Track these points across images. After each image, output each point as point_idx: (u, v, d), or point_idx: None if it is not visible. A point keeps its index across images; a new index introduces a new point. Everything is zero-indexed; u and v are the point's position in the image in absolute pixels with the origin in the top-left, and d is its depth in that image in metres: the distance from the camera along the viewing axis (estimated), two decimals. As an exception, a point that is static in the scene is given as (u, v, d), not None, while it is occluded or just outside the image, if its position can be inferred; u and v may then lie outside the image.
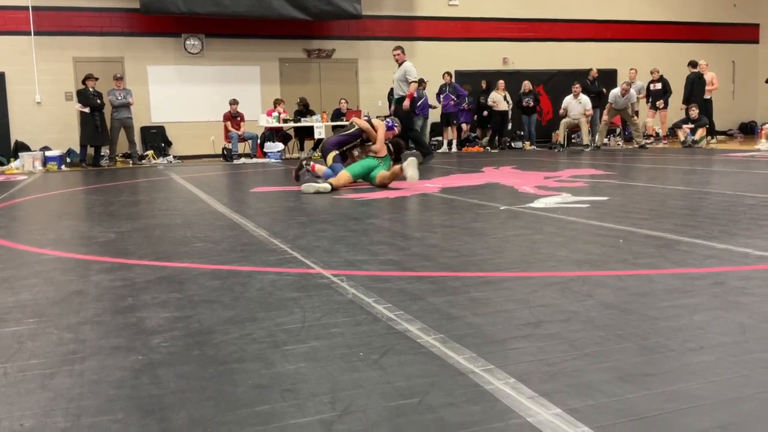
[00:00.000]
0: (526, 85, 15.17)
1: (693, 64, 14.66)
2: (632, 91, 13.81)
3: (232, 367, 2.00)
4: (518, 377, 1.84)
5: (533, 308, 2.50)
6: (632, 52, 17.32)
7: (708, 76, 14.47)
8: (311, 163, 7.64)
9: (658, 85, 14.78)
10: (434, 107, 14.90)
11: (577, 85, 14.23)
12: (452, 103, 14.78)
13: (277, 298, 2.75)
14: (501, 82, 15.05)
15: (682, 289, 2.72)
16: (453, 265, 3.29)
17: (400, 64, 10.16)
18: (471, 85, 15.39)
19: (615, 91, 13.93)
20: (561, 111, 14.35)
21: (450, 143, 15.10)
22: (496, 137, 15.31)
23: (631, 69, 14.77)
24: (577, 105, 14.09)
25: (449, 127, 15.10)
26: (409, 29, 16.07)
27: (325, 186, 6.73)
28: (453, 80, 15.08)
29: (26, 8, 13.41)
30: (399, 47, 10.32)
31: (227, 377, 1.92)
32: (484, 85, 15.43)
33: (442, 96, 14.82)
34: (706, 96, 14.36)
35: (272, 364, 2.01)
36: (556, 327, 2.27)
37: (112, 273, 3.35)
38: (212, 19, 14.18)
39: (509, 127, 15.32)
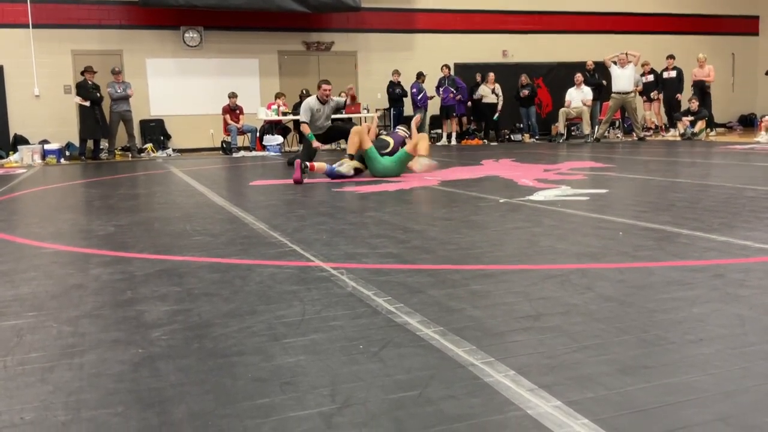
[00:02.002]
0: (523, 79, 15.13)
1: (671, 57, 14.86)
2: (631, 66, 13.69)
3: (232, 360, 2.00)
4: (518, 370, 1.84)
5: (533, 301, 2.50)
6: (632, 45, 17.24)
7: (706, 69, 14.47)
8: (309, 164, 7.54)
9: (650, 77, 14.78)
10: (432, 97, 14.88)
11: (579, 75, 14.19)
12: (451, 96, 14.75)
13: (276, 291, 2.75)
14: (491, 75, 15.01)
15: (682, 282, 2.72)
16: (452, 258, 3.29)
17: (326, 101, 8.92)
18: (463, 77, 15.33)
19: (615, 68, 13.79)
20: (566, 105, 14.32)
21: (449, 136, 15.08)
22: (490, 130, 15.34)
23: (621, 53, 14.05)
24: (578, 94, 14.09)
25: (449, 120, 15.07)
26: (408, 21, 16.03)
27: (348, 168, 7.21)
28: (451, 73, 15.04)
29: (24, 1, 13.36)
30: (329, 82, 8.99)
31: (227, 370, 1.92)
32: (479, 78, 15.34)
33: (441, 89, 14.79)
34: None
35: (272, 357, 2.01)
36: (555, 320, 2.27)
37: (111, 266, 3.35)
38: (211, 11, 14.14)
39: (495, 119, 15.23)
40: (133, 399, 1.74)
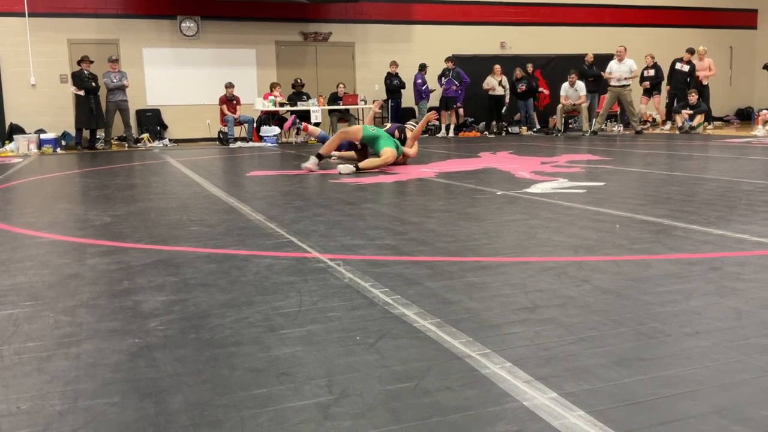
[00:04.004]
0: (518, 72, 15.10)
1: (690, 51, 14.71)
2: (629, 61, 13.67)
3: (229, 350, 2.00)
4: (514, 362, 1.84)
5: (529, 293, 2.50)
6: (630, 37, 17.25)
7: (706, 62, 14.46)
8: (303, 123, 7.83)
9: (652, 72, 14.76)
10: (434, 90, 14.85)
11: (573, 75, 14.17)
12: (454, 88, 14.67)
13: (273, 282, 2.75)
14: (497, 67, 14.99)
15: (678, 275, 2.72)
16: (450, 250, 3.29)
17: None
18: (462, 69, 15.29)
19: (612, 63, 13.78)
20: (562, 100, 14.32)
21: (447, 128, 15.04)
22: (493, 122, 15.29)
23: (620, 46, 14.17)
24: (574, 93, 14.10)
25: (448, 112, 15.02)
26: (406, 13, 15.98)
27: (351, 168, 7.11)
28: (455, 65, 14.95)
29: (20, -11, 13.30)
30: None
31: (224, 361, 1.92)
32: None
33: (444, 80, 14.70)
34: (704, 82, 14.38)
35: (269, 348, 2.01)
36: (552, 312, 2.28)
37: (108, 256, 3.34)
38: (208, 0, 14.07)
39: (503, 111, 15.26)
40: (129, 389, 1.74)
